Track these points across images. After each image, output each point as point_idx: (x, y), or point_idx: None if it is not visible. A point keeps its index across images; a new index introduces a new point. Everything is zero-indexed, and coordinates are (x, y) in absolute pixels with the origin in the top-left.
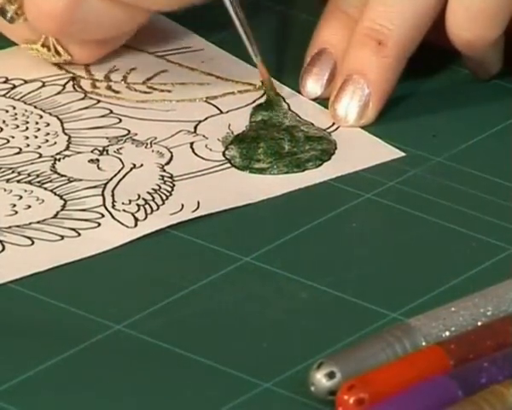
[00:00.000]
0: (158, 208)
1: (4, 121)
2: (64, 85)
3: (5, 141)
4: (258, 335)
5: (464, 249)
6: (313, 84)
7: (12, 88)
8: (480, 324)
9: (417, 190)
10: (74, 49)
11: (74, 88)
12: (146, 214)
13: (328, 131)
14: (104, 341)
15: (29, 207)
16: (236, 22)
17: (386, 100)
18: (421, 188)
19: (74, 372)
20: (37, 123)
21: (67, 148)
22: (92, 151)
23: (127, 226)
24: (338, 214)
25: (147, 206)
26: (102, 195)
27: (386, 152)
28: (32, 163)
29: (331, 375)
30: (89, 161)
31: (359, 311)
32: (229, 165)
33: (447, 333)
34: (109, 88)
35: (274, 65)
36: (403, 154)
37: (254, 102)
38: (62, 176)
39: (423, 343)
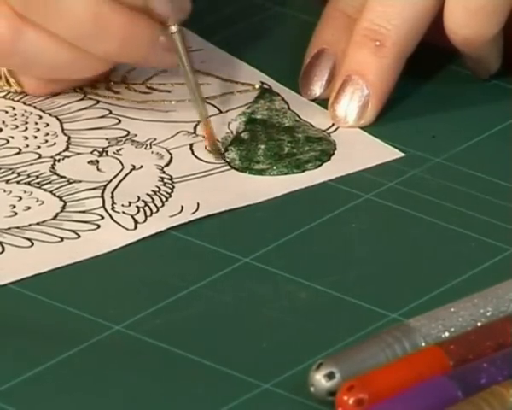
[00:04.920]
0: (157, 210)
1: (4, 122)
2: None
3: (5, 141)
4: (258, 335)
5: (464, 250)
6: (312, 85)
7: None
8: (479, 324)
9: (417, 191)
10: (24, 80)
11: (74, 88)
12: (145, 217)
13: (328, 131)
14: (104, 341)
15: (29, 208)
16: (189, 78)
17: (386, 100)
18: (421, 188)
19: (74, 373)
20: (36, 123)
21: (67, 149)
22: (92, 152)
23: (127, 229)
24: (337, 215)
25: (146, 208)
26: (102, 196)
27: (386, 152)
28: (32, 164)
29: (331, 375)
30: (88, 163)
31: (359, 311)
32: (228, 167)
33: (447, 334)
34: (109, 88)
35: (273, 65)
36: (402, 154)
37: (254, 100)
38: (62, 177)
39: (423, 344)
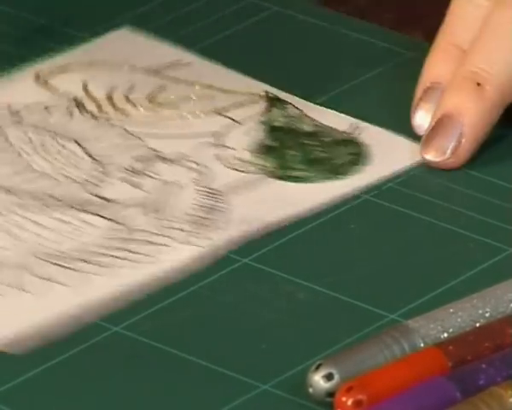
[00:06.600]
0: (217, 224)
1: (23, 149)
2: (69, 108)
3: (32, 168)
4: (257, 336)
5: (462, 250)
6: (424, 119)
7: (17, 113)
8: (478, 325)
9: (416, 191)
10: None
11: (80, 110)
12: (213, 232)
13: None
14: (102, 342)
15: (83, 232)
16: None
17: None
18: (420, 189)
19: (73, 374)
20: (56, 148)
21: (99, 171)
22: (126, 172)
23: (198, 245)
24: (337, 215)
25: (209, 223)
26: (156, 215)
27: (418, 151)
28: (69, 188)
29: (329, 376)
30: (127, 183)
31: (358, 312)
32: (265, 175)
33: (445, 334)
34: (114, 107)
35: (272, 66)
36: None
37: (266, 109)
38: (106, 200)
39: (421, 345)
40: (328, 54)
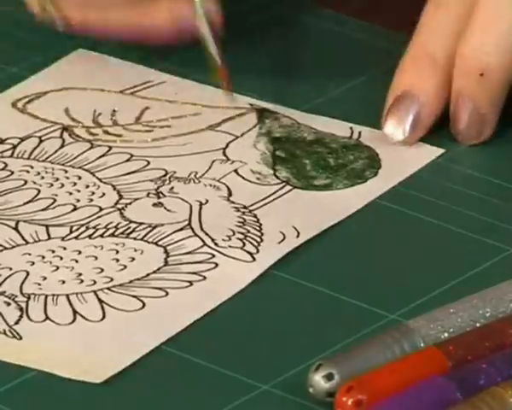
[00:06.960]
0: (261, 240)
1: (35, 182)
2: (61, 137)
3: (52, 200)
4: (257, 336)
5: (463, 250)
6: (395, 128)
7: (13, 147)
8: (478, 325)
9: (416, 191)
10: (62, 3)
11: (73, 138)
12: (256, 247)
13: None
14: None
15: (133, 259)
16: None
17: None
18: (421, 189)
19: None
20: (67, 178)
21: (121, 196)
22: (148, 195)
23: (246, 261)
24: None
25: (249, 239)
26: (196, 235)
27: (428, 151)
28: (99, 216)
29: (329, 377)
30: (153, 205)
31: (358, 312)
32: (288, 186)
33: (445, 335)
34: (109, 133)
35: (271, 66)
36: (442, 150)
37: (259, 121)
38: (141, 224)
39: (422, 345)
40: (328, 54)
